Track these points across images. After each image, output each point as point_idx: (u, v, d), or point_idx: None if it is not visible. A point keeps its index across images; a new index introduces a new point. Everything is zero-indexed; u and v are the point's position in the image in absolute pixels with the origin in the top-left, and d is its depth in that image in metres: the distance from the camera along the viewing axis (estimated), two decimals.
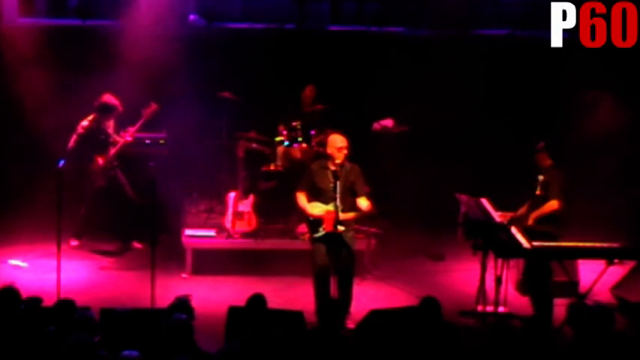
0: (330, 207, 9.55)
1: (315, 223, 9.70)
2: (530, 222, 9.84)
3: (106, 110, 11.58)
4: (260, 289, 7.87)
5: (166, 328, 7.08)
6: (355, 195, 9.69)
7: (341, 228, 9.56)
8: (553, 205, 9.80)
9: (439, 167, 12.73)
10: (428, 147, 12.96)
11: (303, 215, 9.98)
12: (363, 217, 10.02)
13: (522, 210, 10.03)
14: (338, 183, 9.49)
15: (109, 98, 11.56)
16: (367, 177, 10.14)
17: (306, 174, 9.94)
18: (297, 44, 13.38)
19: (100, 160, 11.61)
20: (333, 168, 9.59)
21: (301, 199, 9.82)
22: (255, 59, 13.07)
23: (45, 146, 12.17)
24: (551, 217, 9.85)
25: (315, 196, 9.77)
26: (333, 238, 9.58)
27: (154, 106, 11.62)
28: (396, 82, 13.23)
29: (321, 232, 9.64)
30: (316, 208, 9.70)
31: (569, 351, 7.42)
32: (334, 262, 9.67)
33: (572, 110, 13.07)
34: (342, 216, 9.52)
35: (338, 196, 9.49)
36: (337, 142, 9.64)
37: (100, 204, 11.79)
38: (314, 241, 9.76)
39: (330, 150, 9.71)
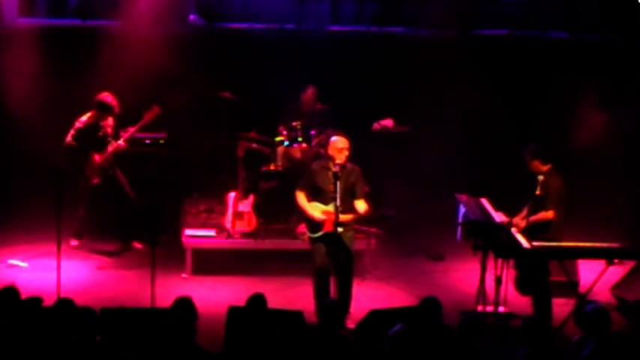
0: (330, 207, 9.57)
1: (315, 222, 9.72)
2: (523, 225, 9.83)
3: (103, 109, 11.56)
4: (260, 289, 7.87)
5: (168, 327, 7.07)
6: (355, 196, 9.72)
7: (340, 229, 9.58)
8: (548, 214, 9.81)
9: (439, 167, 12.72)
10: (427, 147, 12.95)
11: (302, 215, 9.98)
12: (362, 220, 10.05)
13: (524, 212, 10.03)
14: (338, 184, 9.51)
15: (106, 97, 11.54)
16: (367, 177, 10.15)
17: (306, 173, 9.95)
18: (297, 44, 13.38)
19: (97, 158, 11.60)
20: (334, 169, 9.61)
21: (301, 198, 9.84)
22: (255, 59, 13.07)
23: (44, 146, 12.17)
24: (548, 223, 9.85)
25: (314, 195, 9.79)
26: (332, 238, 9.60)
27: (156, 110, 11.61)
28: (396, 82, 13.23)
29: (320, 232, 9.66)
30: (316, 209, 9.72)
31: (571, 351, 7.42)
32: (334, 263, 9.69)
33: (571, 110, 13.07)
34: (341, 217, 9.54)
35: (338, 196, 9.50)
36: (338, 144, 9.67)
37: (99, 203, 11.78)
38: (313, 240, 9.78)
39: (331, 151, 9.74)
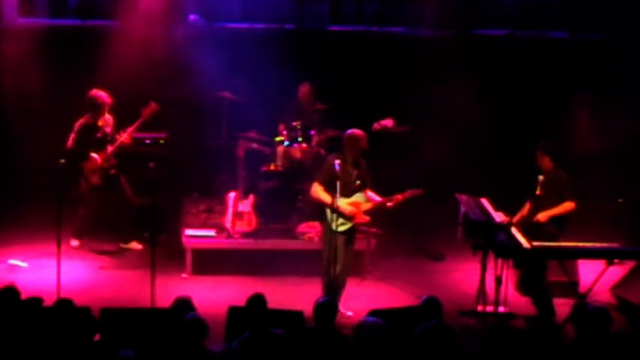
0: (354, 199, 9.79)
1: (339, 215, 9.74)
2: (542, 219, 9.84)
3: (94, 106, 11.52)
4: (260, 289, 7.86)
5: (180, 326, 7.06)
6: (367, 187, 10.00)
7: (367, 218, 9.85)
8: (570, 206, 9.84)
9: (439, 167, 12.72)
10: (428, 147, 12.95)
11: (322, 207, 9.88)
12: (380, 207, 10.11)
13: (524, 211, 10.06)
14: (357, 176, 9.83)
15: (94, 93, 11.49)
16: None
17: (325, 167, 9.90)
18: (297, 44, 13.39)
19: (97, 158, 11.59)
20: (351, 162, 9.81)
21: (321, 191, 9.82)
22: (255, 59, 13.08)
23: (44, 145, 12.17)
24: (557, 218, 9.86)
25: (330, 189, 9.78)
26: (352, 232, 9.83)
27: (153, 106, 11.60)
28: (396, 82, 13.24)
29: (348, 225, 9.75)
30: (342, 201, 9.74)
31: (570, 351, 7.42)
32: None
33: (571, 109, 13.07)
34: (365, 206, 9.83)
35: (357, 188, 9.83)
36: (364, 141, 9.85)
37: (99, 203, 11.78)
38: (337, 234, 9.75)
39: (356, 148, 9.83)
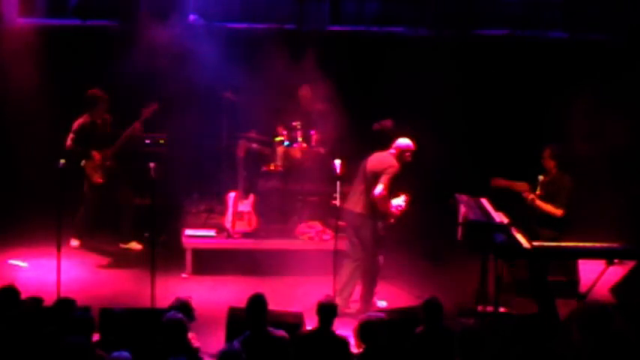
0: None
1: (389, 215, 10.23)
2: (536, 201, 9.95)
3: (92, 104, 11.55)
4: (260, 289, 7.87)
5: (161, 327, 7.07)
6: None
7: None
8: (557, 211, 9.89)
9: (439, 167, 12.72)
10: (428, 147, 12.94)
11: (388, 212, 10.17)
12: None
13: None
14: None
15: (93, 91, 11.56)
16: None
17: (394, 173, 10.13)
18: (297, 44, 13.38)
19: (97, 156, 11.59)
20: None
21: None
22: (255, 59, 13.06)
23: (44, 145, 12.17)
24: (553, 221, 9.87)
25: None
26: None
27: (153, 106, 11.63)
28: (396, 82, 13.22)
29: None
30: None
31: (571, 351, 7.42)
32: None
33: (571, 109, 13.06)
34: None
35: None
36: (409, 155, 10.27)
37: (99, 203, 11.78)
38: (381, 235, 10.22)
39: (401, 158, 10.13)
